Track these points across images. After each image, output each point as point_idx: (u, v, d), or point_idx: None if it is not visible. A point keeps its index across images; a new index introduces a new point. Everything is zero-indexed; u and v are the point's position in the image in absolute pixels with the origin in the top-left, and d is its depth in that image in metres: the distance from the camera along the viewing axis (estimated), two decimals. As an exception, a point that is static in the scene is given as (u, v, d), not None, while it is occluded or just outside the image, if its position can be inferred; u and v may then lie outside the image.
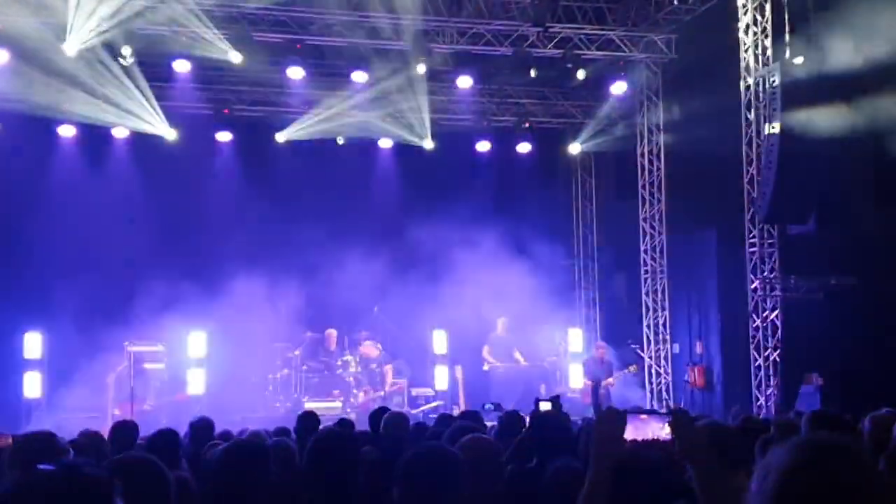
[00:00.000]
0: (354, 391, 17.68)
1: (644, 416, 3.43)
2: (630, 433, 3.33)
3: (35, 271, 18.13)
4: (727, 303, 17.63)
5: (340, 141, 20.39)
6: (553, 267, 19.96)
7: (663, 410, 11.68)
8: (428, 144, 20.04)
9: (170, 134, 19.03)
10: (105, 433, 8.20)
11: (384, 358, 18.19)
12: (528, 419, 8.09)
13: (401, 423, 7.73)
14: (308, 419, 8.86)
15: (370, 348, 18.20)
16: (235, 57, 17.05)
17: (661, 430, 3.37)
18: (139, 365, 16.68)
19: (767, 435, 6.02)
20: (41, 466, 2.49)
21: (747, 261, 16.47)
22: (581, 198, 22.55)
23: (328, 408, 16.48)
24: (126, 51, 16.43)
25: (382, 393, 17.76)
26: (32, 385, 16.89)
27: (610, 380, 17.96)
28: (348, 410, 16.82)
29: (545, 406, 7.39)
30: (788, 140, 14.93)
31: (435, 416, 13.02)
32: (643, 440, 3.35)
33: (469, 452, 4.57)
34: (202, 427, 8.62)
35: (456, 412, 16.00)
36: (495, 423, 9.21)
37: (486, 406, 14.74)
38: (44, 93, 17.29)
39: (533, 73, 18.27)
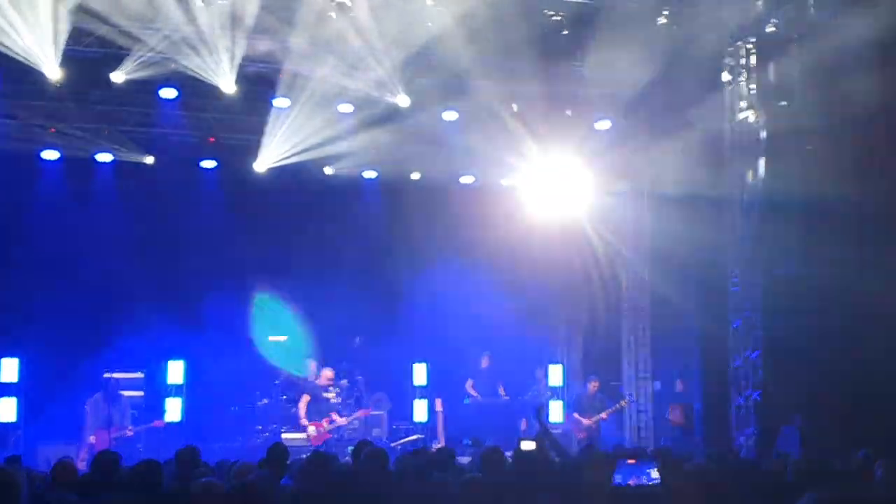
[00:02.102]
0: (304, 423, 17.40)
1: (632, 461, 3.42)
2: (619, 478, 3.31)
3: (13, 295, 17.99)
4: (709, 341, 17.64)
5: (329, 171, 20.39)
6: (535, 301, 19.95)
7: (650, 450, 11.63)
8: (415, 176, 20.04)
9: (149, 160, 19.08)
10: (80, 460, 8.14)
11: (343, 391, 17.85)
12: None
13: (379, 458, 7.70)
14: (277, 451, 8.79)
15: (327, 373, 17.85)
16: (228, 87, 17.02)
17: (649, 475, 3.36)
18: (117, 391, 16.55)
19: (757, 479, 6.00)
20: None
21: (729, 300, 16.51)
22: (564, 233, 22.53)
23: (304, 439, 16.44)
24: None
25: (331, 426, 17.39)
26: (8, 410, 16.72)
27: (603, 415, 17.82)
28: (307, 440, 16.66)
29: (528, 445, 7.35)
30: (772, 182, 15.04)
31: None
32: (632, 485, 3.33)
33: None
34: (188, 456, 8.59)
35: (436, 446, 15.97)
36: (470, 458, 9.19)
37: (465, 441, 14.68)
38: (27, 116, 17.27)
39: (514, 108, 18.26)
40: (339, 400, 17.78)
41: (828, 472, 6.29)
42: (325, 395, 17.58)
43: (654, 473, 3.34)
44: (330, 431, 17.04)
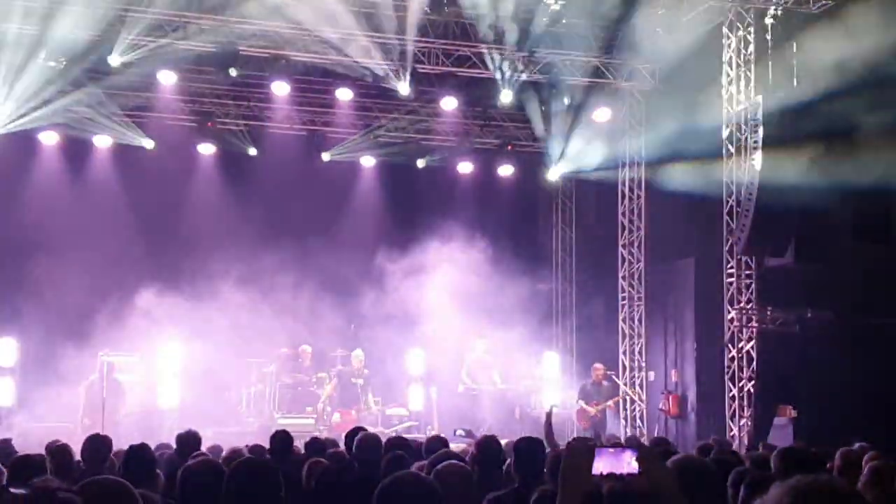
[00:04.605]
0: (328, 409, 17.42)
1: (613, 449, 3.42)
2: (599, 466, 3.32)
3: (10, 277, 18.02)
4: (703, 332, 17.67)
5: (326, 157, 20.47)
6: (531, 290, 19.97)
7: (641, 439, 11.64)
8: (420, 164, 20.20)
9: (147, 144, 19.11)
10: (75, 442, 8.16)
11: (367, 376, 17.80)
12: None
13: (373, 444, 7.71)
14: (282, 438, 8.80)
15: (357, 358, 17.74)
16: (233, 71, 16.98)
17: (630, 464, 3.36)
18: (112, 375, 16.56)
19: (741, 468, 6.01)
20: (13, 490, 2.49)
21: (724, 291, 16.53)
22: (561, 222, 22.59)
23: (301, 424, 16.39)
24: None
25: (360, 414, 17.29)
26: (4, 391, 16.75)
27: (610, 403, 17.74)
28: (321, 428, 16.66)
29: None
30: (768, 172, 15.05)
31: (409, 436, 12.94)
32: (612, 474, 3.34)
33: (444, 479, 4.57)
34: (189, 440, 8.65)
35: (430, 433, 15.98)
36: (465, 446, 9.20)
37: (457, 432, 14.66)
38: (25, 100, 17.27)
39: (507, 97, 18.13)
40: (368, 388, 17.64)
41: (815, 462, 6.32)
42: (354, 380, 17.51)
43: (634, 462, 3.35)
44: (359, 419, 16.92)
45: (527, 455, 6.14)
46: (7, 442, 10.24)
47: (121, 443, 8.45)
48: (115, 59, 16.40)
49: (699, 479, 4.35)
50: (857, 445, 8.20)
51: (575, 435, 16.90)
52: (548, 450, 6.87)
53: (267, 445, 9.22)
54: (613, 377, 18.92)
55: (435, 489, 3.92)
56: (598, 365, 18.10)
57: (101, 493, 3.83)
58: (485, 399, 18.28)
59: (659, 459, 3.44)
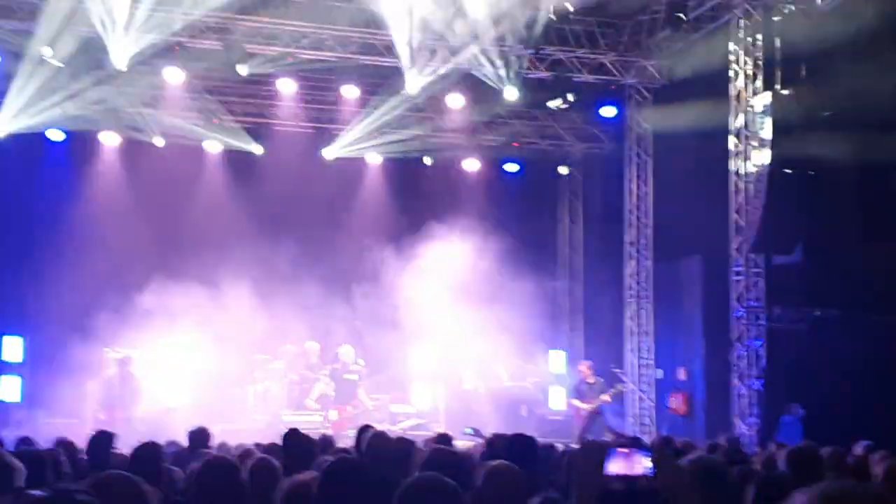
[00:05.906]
0: (311, 405, 17.32)
1: (626, 450, 3.40)
2: (612, 468, 3.30)
3: (18, 274, 18.03)
4: (712, 330, 17.60)
5: (332, 155, 20.47)
6: (538, 287, 19.94)
7: (647, 440, 11.61)
8: (426, 161, 20.22)
9: (159, 141, 19.11)
10: (84, 439, 8.18)
11: (362, 372, 17.72)
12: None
13: (382, 443, 7.69)
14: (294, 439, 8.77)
15: (346, 354, 17.68)
16: (242, 69, 16.95)
17: (643, 464, 3.34)
18: (128, 369, 16.53)
19: (746, 467, 5.98)
20: (32, 492, 2.49)
21: (732, 289, 16.47)
22: (569, 219, 22.55)
23: (307, 422, 16.36)
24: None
25: (356, 410, 17.19)
26: (11, 389, 16.75)
27: (604, 398, 17.66)
28: (327, 425, 16.64)
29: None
30: (777, 171, 14.99)
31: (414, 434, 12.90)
32: (625, 474, 3.32)
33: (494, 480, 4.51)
34: (199, 436, 8.70)
35: (436, 431, 15.96)
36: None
37: (465, 430, 14.62)
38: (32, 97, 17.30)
39: (513, 94, 18.05)
40: (363, 382, 17.54)
41: (825, 463, 6.27)
42: (347, 376, 17.40)
43: (648, 463, 3.32)
44: (356, 416, 16.85)
45: (518, 452, 6.12)
46: (28, 440, 10.16)
47: (130, 439, 8.45)
48: (119, 62, 16.36)
49: (713, 479, 4.32)
50: (861, 444, 8.14)
51: (572, 432, 16.94)
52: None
53: (270, 442, 9.21)
54: (621, 375, 18.90)
55: (454, 491, 3.87)
56: (587, 362, 18.16)
57: (110, 489, 3.83)
58: (491, 397, 18.27)
59: (672, 459, 3.41)
